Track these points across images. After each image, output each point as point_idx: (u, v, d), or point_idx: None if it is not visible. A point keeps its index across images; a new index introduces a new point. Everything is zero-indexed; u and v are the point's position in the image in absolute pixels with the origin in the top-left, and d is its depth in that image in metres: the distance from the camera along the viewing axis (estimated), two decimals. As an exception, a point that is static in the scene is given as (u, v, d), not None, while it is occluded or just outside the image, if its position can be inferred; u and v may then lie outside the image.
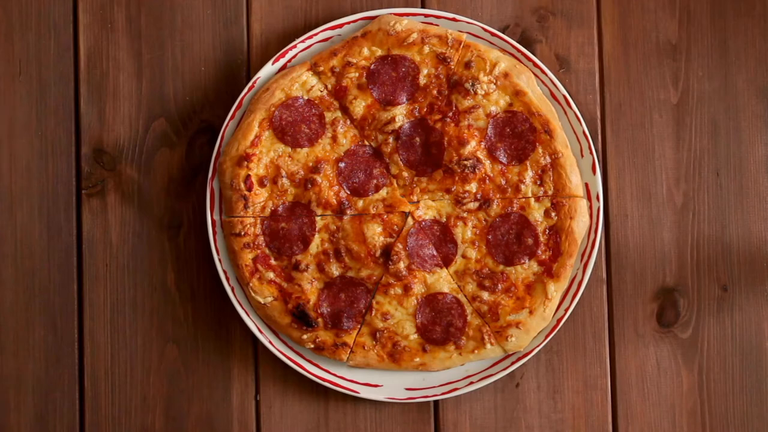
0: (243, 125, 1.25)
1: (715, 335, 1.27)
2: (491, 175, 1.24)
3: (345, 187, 1.25)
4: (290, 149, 1.25)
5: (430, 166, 1.24)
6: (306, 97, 1.26)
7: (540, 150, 1.23)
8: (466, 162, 1.23)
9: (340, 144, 1.25)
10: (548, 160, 1.23)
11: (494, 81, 1.24)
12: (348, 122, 1.26)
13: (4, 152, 1.29)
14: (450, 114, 1.24)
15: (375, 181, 1.25)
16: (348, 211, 1.25)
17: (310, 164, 1.25)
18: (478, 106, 1.24)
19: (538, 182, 1.23)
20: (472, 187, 1.23)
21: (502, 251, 1.24)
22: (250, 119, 1.24)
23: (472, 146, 1.23)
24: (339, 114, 1.26)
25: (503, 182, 1.23)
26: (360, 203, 1.25)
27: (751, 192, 1.28)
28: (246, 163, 1.24)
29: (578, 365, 1.27)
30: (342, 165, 1.25)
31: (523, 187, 1.23)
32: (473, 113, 1.24)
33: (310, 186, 1.24)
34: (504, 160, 1.24)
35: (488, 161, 1.24)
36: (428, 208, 1.25)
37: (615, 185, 1.28)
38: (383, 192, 1.26)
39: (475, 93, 1.23)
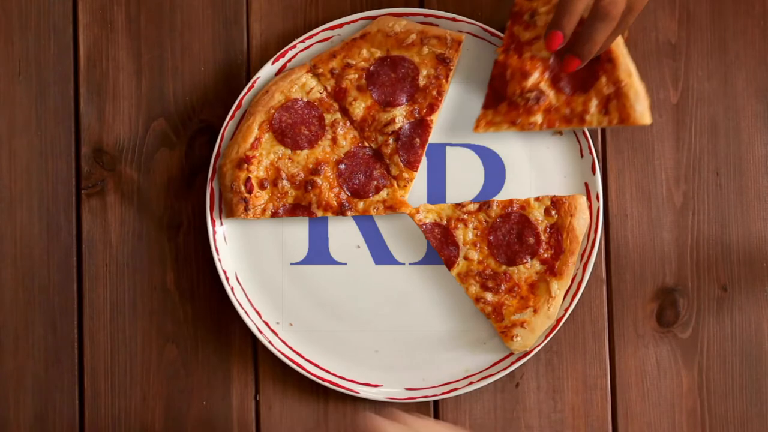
0: (243, 128, 1.25)
1: (715, 335, 1.27)
2: (556, 105, 1.22)
3: (345, 189, 1.25)
4: (290, 151, 1.25)
5: (494, 99, 1.23)
6: (305, 99, 1.26)
7: (603, 79, 1.21)
8: (529, 94, 1.21)
9: (339, 146, 1.25)
10: (612, 88, 1.21)
11: (553, 11, 1.21)
12: (348, 124, 1.26)
13: (4, 152, 1.29)
14: (512, 46, 1.22)
15: (375, 183, 1.26)
16: (348, 213, 1.25)
17: (310, 166, 1.25)
18: (540, 37, 1.22)
19: (603, 111, 1.21)
20: (537, 118, 1.22)
21: (503, 251, 1.24)
22: (249, 122, 1.24)
23: (535, 77, 1.22)
24: (339, 116, 1.26)
25: (568, 112, 1.22)
26: (360, 204, 1.25)
27: (751, 192, 1.28)
28: (246, 165, 1.24)
29: (578, 365, 1.27)
30: (342, 167, 1.25)
31: (587, 116, 1.21)
32: (535, 44, 1.22)
33: (310, 188, 1.24)
34: (568, 91, 1.22)
35: (552, 92, 1.23)
36: (428, 212, 1.25)
37: (615, 185, 1.28)
38: (383, 193, 1.26)
39: (535, 25, 1.22)
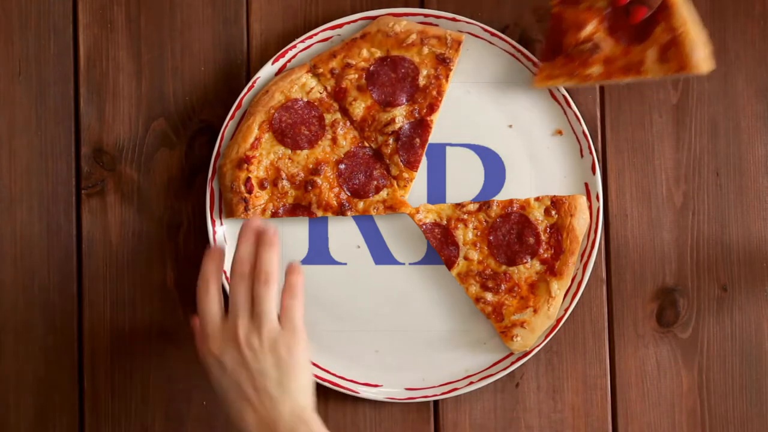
0: (243, 128, 1.25)
1: (715, 335, 1.27)
2: (613, 56, 1.20)
3: (345, 189, 1.25)
4: (290, 151, 1.25)
5: (551, 53, 1.22)
6: (305, 99, 1.26)
7: (660, 27, 1.18)
8: (584, 45, 1.19)
9: (339, 146, 1.25)
10: (669, 36, 1.18)
11: None
12: (347, 124, 1.26)
13: (4, 152, 1.29)
14: None
15: (375, 183, 1.26)
16: (348, 213, 1.25)
17: (310, 166, 1.25)
18: None
19: (661, 60, 1.18)
20: (594, 70, 1.20)
21: (503, 251, 1.24)
22: (249, 122, 1.24)
23: (590, 28, 1.19)
24: (339, 116, 1.26)
25: (625, 63, 1.19)
26: (360, 204, 1.25)
27: (751, 192, 1.28)
28: (246, 165, 1.24)
29: (578, 365, 1.27)
30: (342, 167, 1.25)
31: (645, 66, 1.19)
32: None
33: (310, 188, 1.25)
34: (625, 41, 1.20)
35: (609, 42, 1.20)
36: (428, 212, 1.25)
37: (615, 185, 1.28)
38: (383, 193, 1.26)
39: None
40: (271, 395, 1.10)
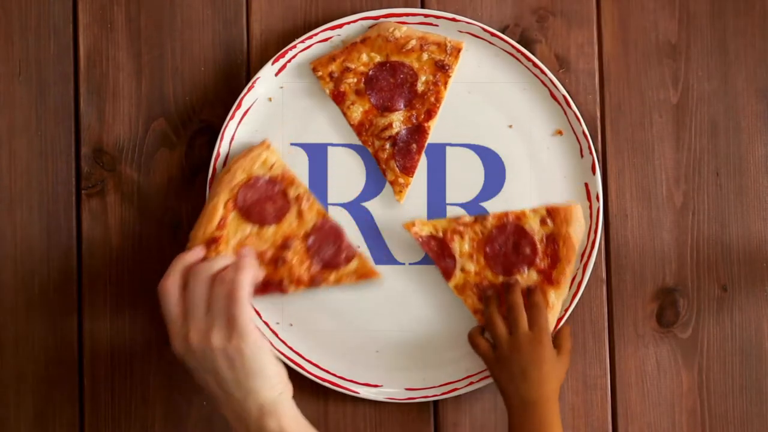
0: (208, 208, 1.23)
1: (715, 335, 1.27)
2: None
3: (316, 262, 1.24)
4: (257, 228, 1.24)
5: None
6: (268, 176, 1.24)
7: None
8: None
9: (305, 219, 1.24)
10: None
11: None
12: (311, 197, 1.24)
13: (4, 152, 1.29)
14: None
15: (345, 254, 1.24)
16: (321, 285, 1.24)
17: (279, 242, 1.24)
18: None
19: None
20: None
21: (500, 262, 1.24)
22: (214, 202, 1.23)
23: None
24: (302, 189, 1.24)
25: None
26: (332, 276, 1.24)
27: (751, 192, 1.28)
28: (214, 246, 1.22)
29: (578, 365, 1.27)
30: (311, 240, 1.24)
31: None
32: None
33: (281, 264, 1.24)
34: None
35: None
36: (424, 225, 1.25)
37: (615, 185, 1.28)
38: (354, 263, 1.25)
39: None
40: (233, 395, 1.12)
